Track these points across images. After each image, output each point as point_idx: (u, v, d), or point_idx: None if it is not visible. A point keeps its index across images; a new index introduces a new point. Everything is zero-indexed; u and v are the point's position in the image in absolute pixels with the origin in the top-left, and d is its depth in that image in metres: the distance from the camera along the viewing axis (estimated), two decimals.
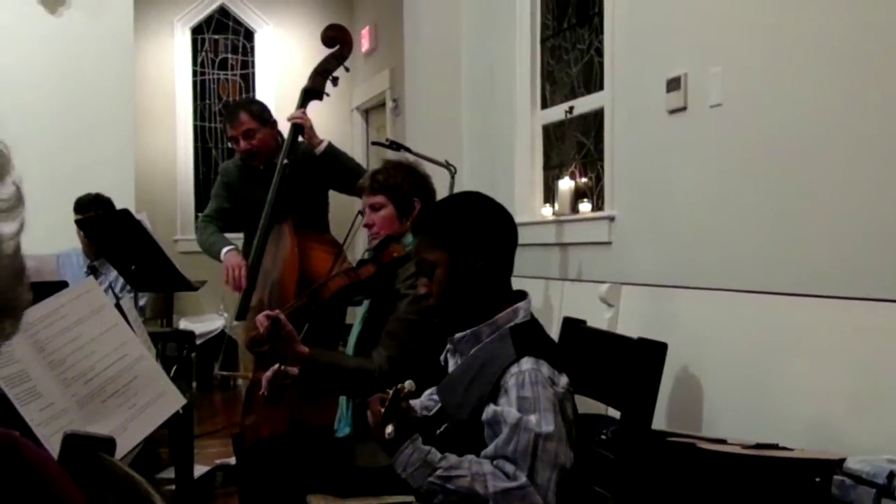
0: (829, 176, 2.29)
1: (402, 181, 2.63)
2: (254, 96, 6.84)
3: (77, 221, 4.00)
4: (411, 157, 3.53)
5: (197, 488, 3.79)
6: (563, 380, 1.78)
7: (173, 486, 3.32)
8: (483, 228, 1.88)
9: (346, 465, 2.44)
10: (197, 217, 7.57)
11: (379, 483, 2.32)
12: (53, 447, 1.48)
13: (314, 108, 3.77)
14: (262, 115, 3.74)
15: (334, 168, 3.68)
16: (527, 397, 1.70)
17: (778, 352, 2.40)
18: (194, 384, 6.72)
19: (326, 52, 3.86)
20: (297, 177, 3.67)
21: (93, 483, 1.01)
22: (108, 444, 1.07)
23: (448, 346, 1.96)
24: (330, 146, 3.67)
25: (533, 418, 1.68)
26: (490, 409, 1.73)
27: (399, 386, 1.71)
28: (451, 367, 1.95)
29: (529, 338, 1.82)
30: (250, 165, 3.84)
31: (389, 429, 1.70)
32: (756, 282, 2.53)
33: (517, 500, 1.65)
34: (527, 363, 1.74)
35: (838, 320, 2.20)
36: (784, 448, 2.05)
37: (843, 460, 1.78)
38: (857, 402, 2.12)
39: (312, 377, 2.36)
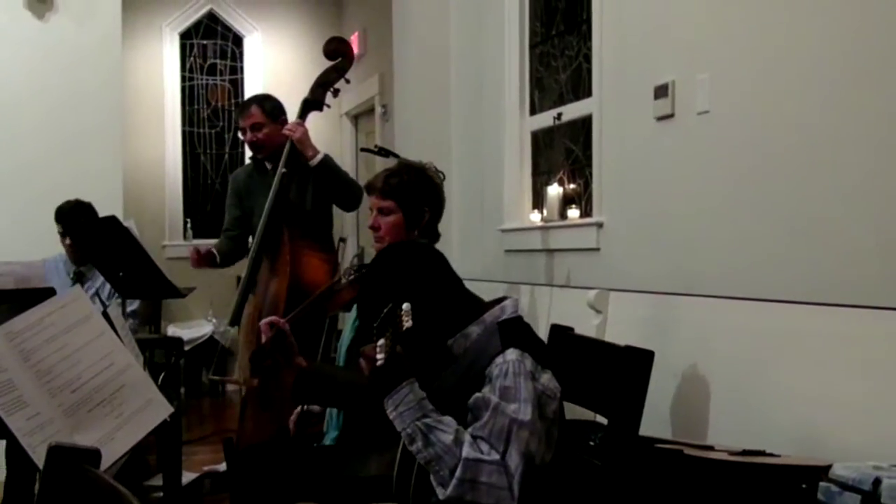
0: (817, 182, 2.30)
1: (415, 188, 2.58)
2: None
3: (65, 228, 3.98)
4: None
5: (185, 495, 3.78)
6: (546, 376, 1.83)
7: (161, 494, 3.31)
8: (412, 277, 1.95)
9: (334, 473, 2.43)
10: (185, 223, 7.58)
11: (366, 491, 2.32)
12: (39, 457, 1.48)
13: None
14: (273, 111, 3.86)
15: (328, 181, 3.71)
16: (509, 387, 1.76)
17: (765, 358, 2.41)
18: (182, 390, 6.71)
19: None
20: (300, 185, 3.70)
21: (77, 495, 1.01)
22: (93, 455, 1.07)
23: (445, 354, 1.98)
24: (325, 159, 3.70)
25: (512, 406, 1.74)
26: (473, 396, 1.79)
27: (393, 304, 1.74)
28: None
29: (516, 332, 1.89)
30: (258, 171, 3.90)
31: (381, 342, 1.71)
32: (743, 289, 2.54)
33: (485, 474, 1.70)
34: (511, 354, 1.80)
35: (825, 327, 2.21)
36: (771, 455, 2.05)
37: (829, 467, 1.79)
38: (844, 408, 2.13)
39: (308, 389, 2.37)
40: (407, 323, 1.71)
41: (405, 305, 1.73)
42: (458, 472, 1.68)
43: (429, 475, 1.75)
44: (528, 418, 1.73)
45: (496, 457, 1.70)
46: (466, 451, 1.70)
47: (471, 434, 1.74)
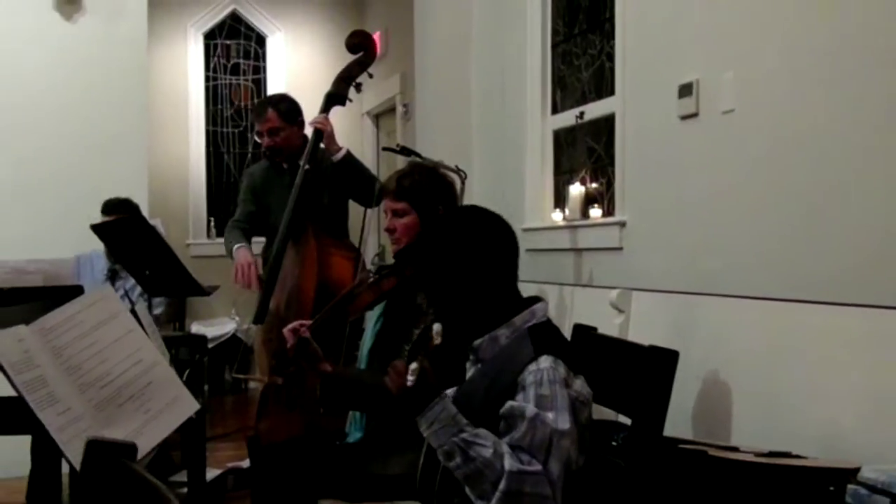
0: (844, 181, 2.28)
1: (427, 188, 2.59)
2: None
3: (92, 226, 4.02)
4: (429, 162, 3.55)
5: (209, 491, 3.81)
6: (578, 382, 1.81)
7: (185, 490, 3.34)
8: (475, 245, 1.92)
9: (357, 471, 2.45)
10: (209, 221, 7.63)
11: (389, 489, 2.33)
12: (71, 452, 1.50)
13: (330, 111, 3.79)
14: (290, 113, 3.84)
15: (349, 177, 3.71)
16: (545, 395, 1.73)
17: (790, 358, 2.40)
18: (206, 387, 6.75)
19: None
20: (318, 182, 3.70)
21: (114, 489, 1.02)
22: (130, 449, 1.09)
23: (469, 354, 1.97)
24: (348, 154, 3.71)
25: (550, 415, 1.72)
26: (507, 405, 1.75)
27: (425, 327, 1.74)
28: (470, 374, 1.96)
29: (548, 337, 1.85)
30: (275, 169, 3.91)
31: (414, 365, 1.71)
32: (769, 288, 2.52)
33: (529, 485, 1.68)
34: (545, 361, 1.77)
35: (852, 327, 2.19)
36: (797, 456, 2.04)
37: (857, 469, 1.78)
38: (873, 409, 2.11)
39: (334, 394, 2.39)
40: (437, 340, 1.72)
41: (436, 326, 1.74)
42: (502, 485, 1.66)
43: (452, 475, 1.75)
44: (567, 427, 1.71)
45: (538, 467, 1.68)
46: (509, 463, 1.68)
47: (509, 445, 1.71)
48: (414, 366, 1.71)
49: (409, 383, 1.72)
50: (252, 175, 4.03)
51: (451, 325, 1.92)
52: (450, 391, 2.04)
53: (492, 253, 1.92)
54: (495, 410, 1.77)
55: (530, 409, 1.71)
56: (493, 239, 1.94)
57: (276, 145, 3.82)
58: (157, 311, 4.45)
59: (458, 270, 1.89)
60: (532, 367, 1.76)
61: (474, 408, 1.82)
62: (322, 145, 3.69)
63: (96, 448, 1.06)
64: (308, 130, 3.77)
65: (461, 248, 1.91)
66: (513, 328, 1.88)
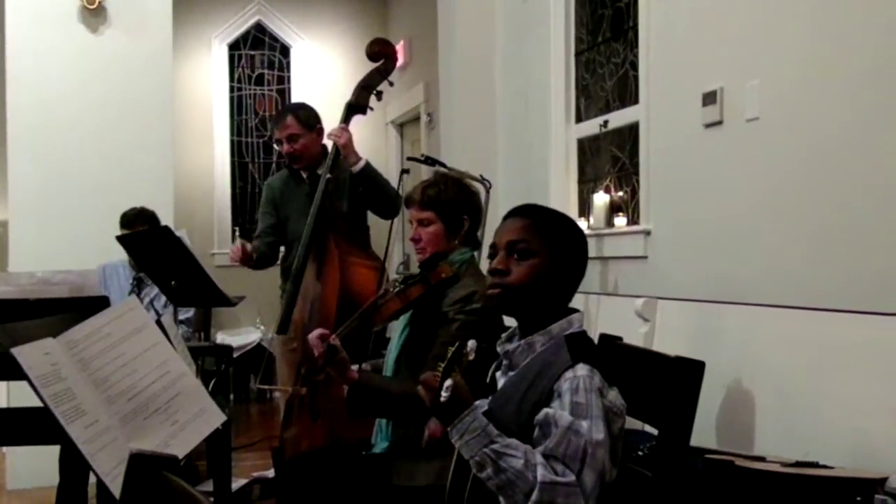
0: (869, 189, 2.26)
1: (453, 198, 2.62)
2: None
3: (118, 238, 4.06)
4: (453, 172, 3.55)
5: (234, 501, 3.83)
6: (612, 393, 1.80)
7: (212, 500, 3.36)
8: (577, 246, 1.97)
9: (382, 483, 2.45)
10: (234, 231, 7.68)
11: (415, 501, 2.33)
12: (98, 464, 1.52)
13: (353, 120, 3.80)
14: (309, 120, 3.86)
15: (368, 188, 3.72)
16: (580, 403, 1.72)
17: (816, 368, 2.38)
18: (231, 397, 6.80)
19: (361, 65, 3.90)
20: (337, 191, 3.72)
21: (158, 500, 1.03)
22: (172, 462, 1.10)
23: (501, 360, 1.97)
24: (367, 166, 3.71)
25: (585, 424, 1.70)
26: (542, 412, 1.74)
27: (460, 343, 1.73)
28: (501, 380, 1.96)
29: (584, 346, 1.85)
30: (294, 178, 3.92)
31: (448, 382, 1.70)
32: (795, 297, 2.50)
33: (562, 496, 1.66)
34: (582, 369, 1.76)
35: (879, 336, 2.17)
36: (824, 466, 2.02)
37: (885, 479, 1.76)
38: None
39: (360, 401, 2.39)
40: (471, 357, 1.72)
41: (470, 343, 1.73)
42: (534, 496, 1.65)
43: (483, 485, 1.74)
44: (602, 436, 1.70)
45: (571, 478, 1.67)
46: (541, 473, 1.67)
47: (542, 454, 1.70)
48: (448, 382, 1.71)
49: (442, 399, 1.71)
50: (271, 186, 4.06)
51: (507, 296, 1.90)
52: (478, 402, 2.05)
53: (581, 264, 1.97)
54: (530, 418, 1.76)
55: (565, 418, 1.71)
56: (584, 252, 1.99)
57: (294, 152, 3.85)
58: (188, 314, 4.49)
59: (557, 255, 1.91)
60: (568, 374, 1.76)
61: (509, 415, 1.81)
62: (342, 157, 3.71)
63: (139, 461, 1.07)
64: (328, 141, 3.79)
65: (574, 249, 1.95)
66: (549, 336, 1.87)
